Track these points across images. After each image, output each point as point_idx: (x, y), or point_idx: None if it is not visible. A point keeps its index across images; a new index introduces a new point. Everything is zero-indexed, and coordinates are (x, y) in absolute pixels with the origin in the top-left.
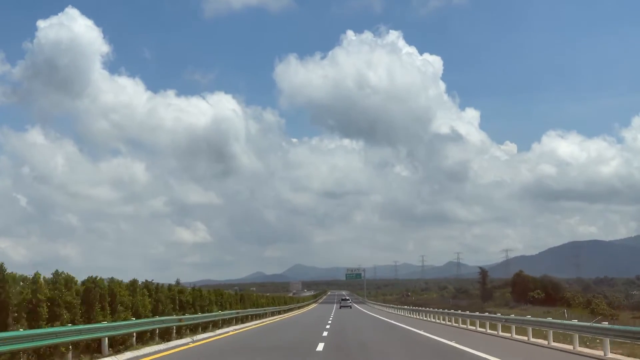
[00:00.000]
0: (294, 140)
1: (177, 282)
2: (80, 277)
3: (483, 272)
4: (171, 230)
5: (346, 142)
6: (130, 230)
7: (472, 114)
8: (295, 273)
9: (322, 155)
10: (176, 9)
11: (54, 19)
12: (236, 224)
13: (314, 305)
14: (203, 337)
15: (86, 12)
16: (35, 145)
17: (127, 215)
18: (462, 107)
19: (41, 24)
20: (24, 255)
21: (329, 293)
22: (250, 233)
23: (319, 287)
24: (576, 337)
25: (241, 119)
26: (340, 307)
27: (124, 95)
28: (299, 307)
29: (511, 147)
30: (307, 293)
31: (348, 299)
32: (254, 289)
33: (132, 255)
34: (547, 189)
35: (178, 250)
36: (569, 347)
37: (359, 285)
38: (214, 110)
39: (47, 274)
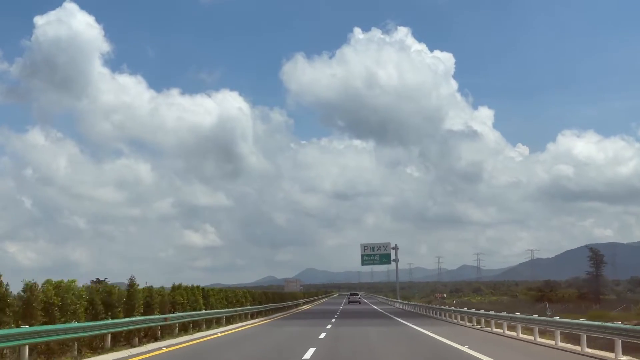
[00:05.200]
0: (303, 141)
1: (131, 280)
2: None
3: (597, 255)
4: (180, 233)
5: (356, 142)
6: (139, 233)
7: (485, 113)
8: (308, 277)
9: (332, 156)
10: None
11: (51, 15)
12: (246, 226)
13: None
14: None
15: (85, 7)
16: (36, 147)
17: (135, 217)
18: (475, 106)
19: (39, 20)
20: (33, 260)
21: (336, 295)
22: (260, 236)
23: (326, 289)
24: None
25: (248, 117)
26: (349, 302)
27: (126, 94)
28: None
29: (523, 148)
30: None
31: (358, 294)
32: None
33: (142, 259)
34: (563, 190)
35: (188, 253)
36: None
37: (374, 288)
38: (220, 108)
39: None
